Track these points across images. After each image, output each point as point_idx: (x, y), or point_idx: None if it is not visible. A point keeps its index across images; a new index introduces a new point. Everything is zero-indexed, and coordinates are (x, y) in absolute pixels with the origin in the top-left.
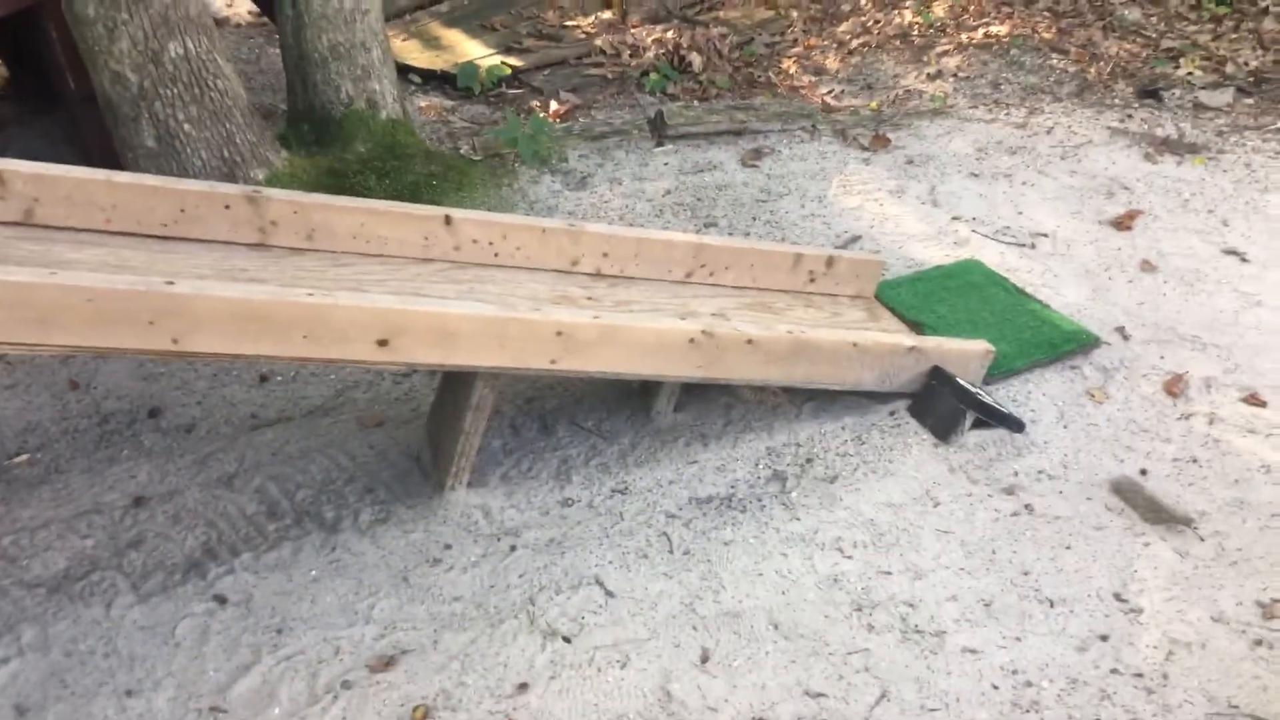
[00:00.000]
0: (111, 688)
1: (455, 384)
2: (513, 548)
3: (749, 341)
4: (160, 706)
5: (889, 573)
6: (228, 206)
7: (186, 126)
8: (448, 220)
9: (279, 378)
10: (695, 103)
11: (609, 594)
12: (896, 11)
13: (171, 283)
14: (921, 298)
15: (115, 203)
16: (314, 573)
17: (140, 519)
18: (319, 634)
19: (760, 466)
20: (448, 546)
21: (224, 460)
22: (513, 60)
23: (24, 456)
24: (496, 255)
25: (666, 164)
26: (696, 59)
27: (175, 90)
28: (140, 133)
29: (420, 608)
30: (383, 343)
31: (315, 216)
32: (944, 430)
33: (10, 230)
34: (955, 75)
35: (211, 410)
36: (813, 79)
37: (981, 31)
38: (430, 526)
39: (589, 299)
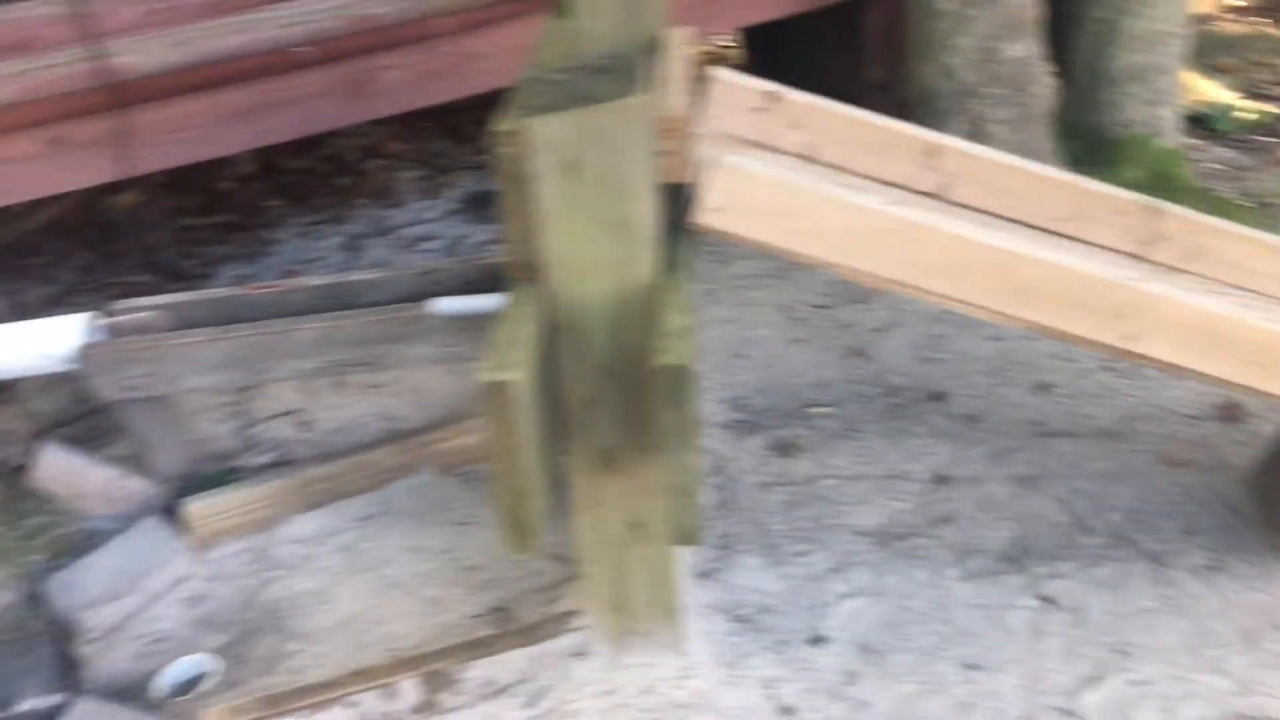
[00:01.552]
0: (951, 655)
1: None
2: None
3: None
4: (1007, 690)
5: None
6: (1120, 212)
7: (997, 127)
8: None
9: (1060, 390)
10: None
11: None
12: None
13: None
14: None
15: (1021, 189)
16: (1147, 603)
17: (946, 497)
18: (1166, 669)
19: None
20: None
21: (1019, 460)
22: (1262, 106)
23: (826, 409)
24: None
25: None
26: None
27: (999, 91)
28: (948, 127)
29: (1277, 675)
30: None
31: (1204, 239)
32: None
33: (923, 200)
34: None
35: (994, 407)
36: None
37: None
38: (1275, 590)
39: None
